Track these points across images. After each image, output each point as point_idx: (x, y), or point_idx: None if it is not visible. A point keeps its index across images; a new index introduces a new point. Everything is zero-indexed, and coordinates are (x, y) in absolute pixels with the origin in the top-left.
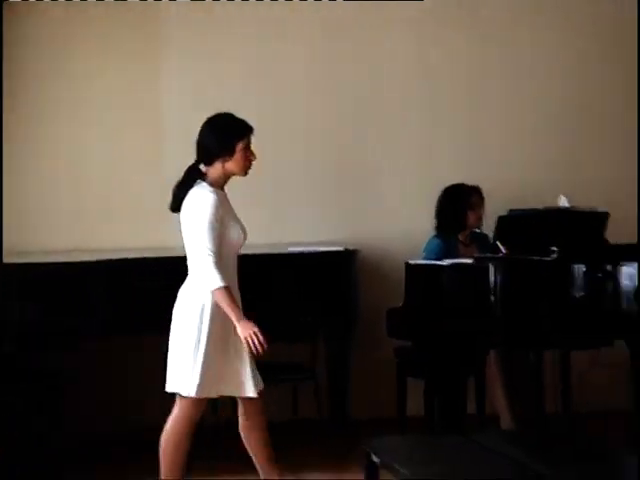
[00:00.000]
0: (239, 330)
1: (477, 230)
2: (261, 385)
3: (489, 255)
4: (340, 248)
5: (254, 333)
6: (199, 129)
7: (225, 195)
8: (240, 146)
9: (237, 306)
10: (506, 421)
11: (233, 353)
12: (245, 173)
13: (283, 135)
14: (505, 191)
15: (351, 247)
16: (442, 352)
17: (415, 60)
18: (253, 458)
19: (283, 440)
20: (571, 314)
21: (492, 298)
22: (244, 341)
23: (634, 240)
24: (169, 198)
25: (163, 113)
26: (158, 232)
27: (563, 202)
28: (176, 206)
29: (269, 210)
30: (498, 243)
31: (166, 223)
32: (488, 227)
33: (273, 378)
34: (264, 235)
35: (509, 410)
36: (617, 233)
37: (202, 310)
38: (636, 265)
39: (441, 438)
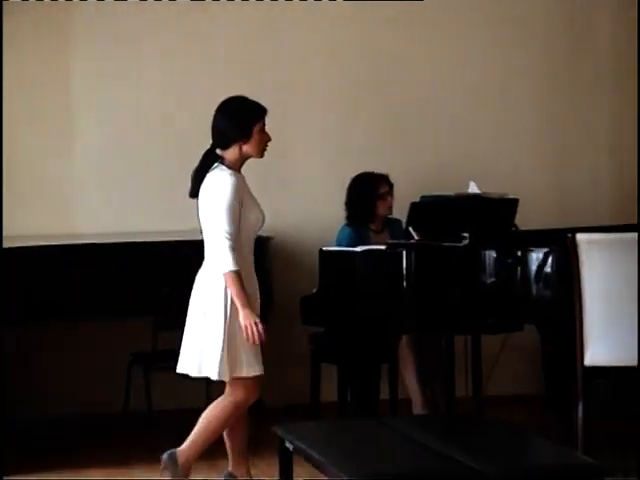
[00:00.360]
0: (241, 316)
1: (387, 217)
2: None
3: (401, 241)
4: None
5: (255, 323)
6: (212, 114)
7: (243, 177)
8: (257, 128)
9: (244, 293)
10: (418, 406)
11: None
12: (262, 155)
13: (187, 122)
14: (417, 177)
15: (264, 234)
16: (355, 338)
17: (327, 46)
18: (227, 444)
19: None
20: (482, 299)
21: (404, 284)
22: (243, 328)
23: (544, 226)
24: (84, 183)
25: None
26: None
27: (473, 188)
28: (195, 192)
29: (181, 196)
30: (410, 229)
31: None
32: (402, 213)
33: (173, 367)
34: (179, 222)
35: (421, 395)
36: (527, 219)
37: (225, 295)
38: (546, 252)
39: (354, 423)
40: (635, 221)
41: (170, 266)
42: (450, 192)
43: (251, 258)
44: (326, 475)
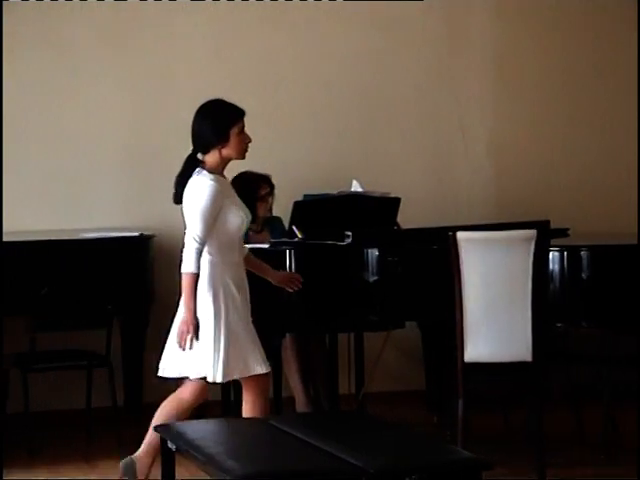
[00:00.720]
0: (178, 317)
1: (268, 216)
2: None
3: (285, 240)
4: (135, 234)
5: (188, 330)
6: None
7: (226, 181)
8: (235, 131)
9: (194, 299)
10: (301, 404)
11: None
12: (243, 157)
13: (81, 121)
14: (300, 175)
15: (147, 232)
16: None
17: (213, 50)
18: (149, 435)
19: (78, 428)
20: (364, 297)
21: None
22: (177, 329)
23: (425, 225)
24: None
25: None
26: None
27: (356, 187)
28: (178, 198)
29: (63, 195)
30: (294, 228)
31: None
32: (285, 211)
33: (67, 365)
34: (57, 221)
35: (304, 393)
36: (409, 217)
37: (214, 297)
38: (427, 249)
39: (238, 422)
40: (514, 220)
41: (51, 266)
42: (333, 191)
43: (241, 259)
44: (209, 475)
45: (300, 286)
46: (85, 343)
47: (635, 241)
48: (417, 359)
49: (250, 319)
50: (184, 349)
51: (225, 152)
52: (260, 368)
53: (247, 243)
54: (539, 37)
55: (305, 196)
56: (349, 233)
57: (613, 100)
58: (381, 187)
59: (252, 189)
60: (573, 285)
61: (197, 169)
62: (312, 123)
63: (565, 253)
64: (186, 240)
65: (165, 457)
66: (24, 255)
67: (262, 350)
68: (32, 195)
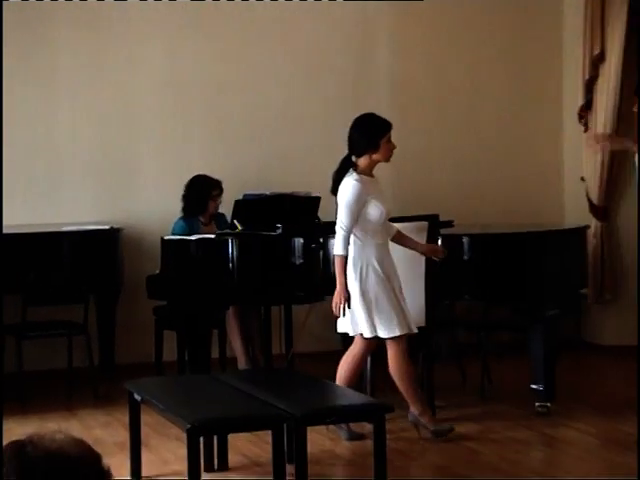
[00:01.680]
0: (336, 292)
1: (216, 212)
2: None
3: (228, 231)
4: (107, 227)
5: (340, 300)
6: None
7: (372, 180)
8: (384, 140)
9: (344, 275)
10: (242, 363)
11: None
12: (388, 160)
13: (58, 124)
14: (241, 177)
15: (116, 226)
16: (191, 309)
17: (166, 65)
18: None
19: (61, 384)
20: (292, 277)
21: (230, 266)
22: (333, 302)
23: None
24: None
25: None
26: None
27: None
28: (334, 190)
29: (46, 194)
30: (235, 221)
31: None
32: (227, 208)
33: (52, 333)
34: (40, 216)
35: (244, 354)
36: (328, 212)
37: (360, 272)
38: None
39: (191, 378)
40: (413, 213)
41: (37, 253)
42: (267, 191)
43: (385, 240)
44: (168, 420)
45: (443, 255)
46: (66, 316)
47: (509, 230)
48: (334, 326)
49: (394, 288)
50: (339, 316)
51: (375, 157)
52: (399, 330)
53: (197, 233)
54: (446, 35)
55: (244, 195)
56: (279, 225)
57: (519, 104)
58: (306, 187)
59: (206, 190)
60: (457, 265)
61: (350, 170)
62: (253, 133)
63: (450, 240)
64: (336, 228)
65: (132, 406)
66: (16, 245)
67: (404, 315)
68: (19, 194)
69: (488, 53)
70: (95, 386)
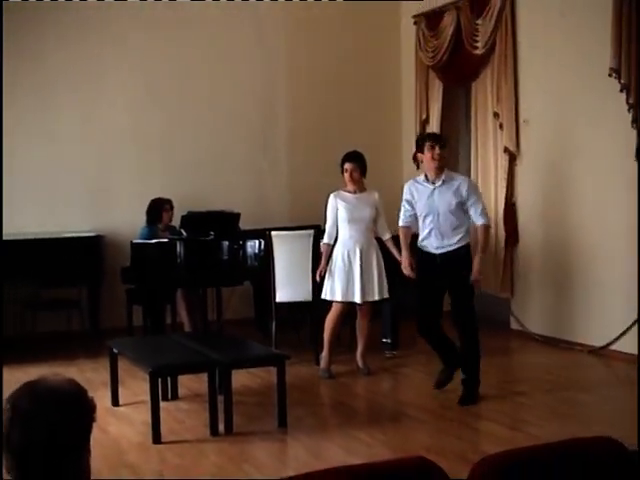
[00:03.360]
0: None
1: (169, 224)
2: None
3: (177, 237)
4: (93, 234)
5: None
6: None
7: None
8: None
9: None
10: (187, 327)
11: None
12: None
13: (56, 143)
14: (186, 198)
15: (99, 233)
16: (151, 290)
17: (130, 119)
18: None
19: (63, 342)
20: (221, 268)
21: (178, 260)
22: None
23: (253, 227)
24: None
25: None
26: None
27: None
28: None
29: (48, 209)
30: (182, 230)
31: None
32: (177, 221)
33: (56, 307)
34: (43, 225)
35: (189, 321)
36: (245, 222)
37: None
38: (256, 241)
39: (152, 337)
40: (302, 223)
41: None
42: (204, 209)
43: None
44: (137, 367)
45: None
46: (66, 295)
47: None
48: (250, 301)
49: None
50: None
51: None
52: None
53: (156, 237)
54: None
55: (188, 212)
56: (212, 233)
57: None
58: (229, 206)
59: (160, 206)
60: None
61: None
62: (194, 162)
63: None
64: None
65: (111, 357)
66: (30, 246)
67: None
68: (30, 210)
69: (348, 116)
70: (86, 343)
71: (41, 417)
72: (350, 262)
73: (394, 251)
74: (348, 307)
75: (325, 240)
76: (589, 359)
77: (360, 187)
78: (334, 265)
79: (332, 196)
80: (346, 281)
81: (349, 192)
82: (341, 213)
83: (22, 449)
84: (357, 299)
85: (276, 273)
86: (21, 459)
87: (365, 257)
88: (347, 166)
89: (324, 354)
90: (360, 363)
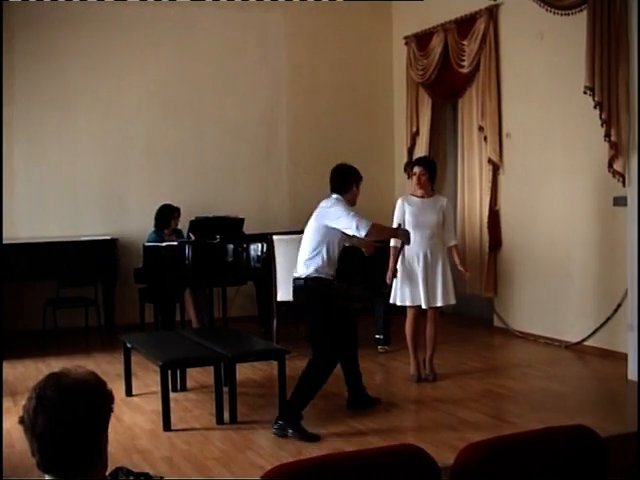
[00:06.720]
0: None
1: (175, 228)
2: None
3: (186, 240)
4: (108, 237)
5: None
6: None
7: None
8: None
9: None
10: (195, 324)
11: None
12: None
13: (75, 155)
14: (194, 204)
15: (114, 236)
16: (162, 290)
17: (142, 129)
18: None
19: (81, 336)
20: (227, 269)
21: (187, 262)
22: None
23: (256, 231)
24: None
25: None
26: None
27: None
28: None
29: (69, 214)
30: (190, 234)
31: None
32: (184, 225)
33: (75, 305)
34: (63, 229)
35: (197, 318)
36: (248, 227)
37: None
38: (259, 244)
39: (162, 333)
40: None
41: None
42: (211, 214)
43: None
44: (148, 360)
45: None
46: (84, 294)
47: None
48: (253, 300)
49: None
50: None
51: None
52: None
53: (165, 242)
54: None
55: (196, 217)
56: (218, 236)
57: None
58: (234, 212)
59: (169, 213)
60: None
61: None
62: (200, 170)
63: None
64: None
65: (125, 351)
66: (51, 249)
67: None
68: (51, 216)
69: (344, 130)
70: (102, 338)
71: (65, 406)
72: (413, 267)
73: (456, 259)
74: (419, 310)
75: (392, 243)
76: (566, 354)
77: (428, 192)
78: (401, 270)
79: (400, 199)
80: (411, 286)
81: (417, 196)
82: (407, 217)
83: (47, 435)
84: (422, 304)
85: (277, 274)
86: (45, 443)
87: (429, 263)
88: (416, 170)
89: (410, 360)
90: (427, 368)
